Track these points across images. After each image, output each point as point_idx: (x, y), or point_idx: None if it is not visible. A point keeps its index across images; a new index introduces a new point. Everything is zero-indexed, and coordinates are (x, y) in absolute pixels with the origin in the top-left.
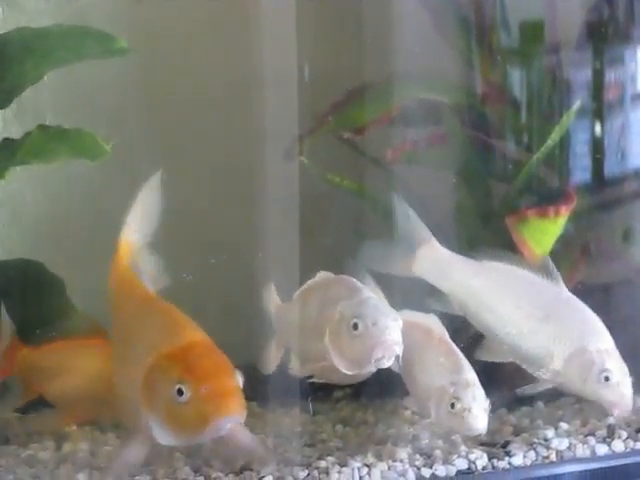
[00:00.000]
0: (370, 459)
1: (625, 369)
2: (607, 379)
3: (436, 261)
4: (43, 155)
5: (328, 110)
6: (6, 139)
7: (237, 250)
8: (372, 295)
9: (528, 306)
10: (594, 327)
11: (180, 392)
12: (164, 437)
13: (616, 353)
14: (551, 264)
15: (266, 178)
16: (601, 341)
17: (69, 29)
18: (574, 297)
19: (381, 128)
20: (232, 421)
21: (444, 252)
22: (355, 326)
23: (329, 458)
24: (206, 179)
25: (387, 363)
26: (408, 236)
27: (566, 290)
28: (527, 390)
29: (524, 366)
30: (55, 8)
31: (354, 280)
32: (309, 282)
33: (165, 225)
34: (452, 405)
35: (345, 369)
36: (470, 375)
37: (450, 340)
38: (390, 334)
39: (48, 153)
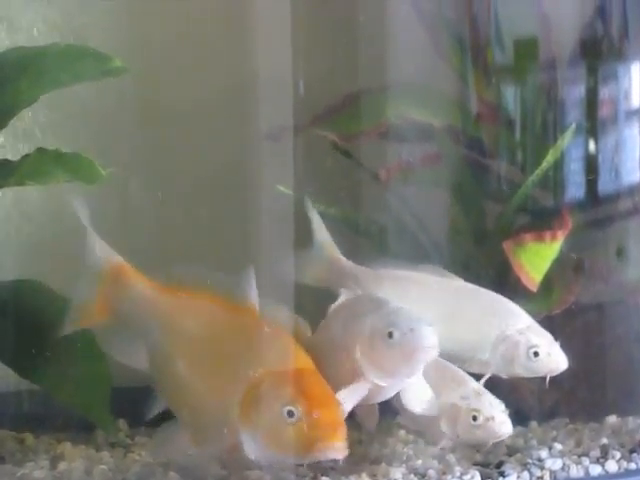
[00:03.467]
0: (364, 479)
1: (549, 336)
2: (536, 354)
3: (338, 272)
4: (39, 177)
5: (322, 113)
6: (4, 160)
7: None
8: (400, 305)
9: (435, 307)
10: (507, 310)
11: (290, 414)
12: (256, 452)
13: (536, 326)
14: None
15: (260, 189)
16: (519, 321)
17: (66, 49)
18: (478, 287)
19: (375, 144)
20: (337, 451)
21: (346, 263)
22: (390, 335)
23: (323, 478)
24: (199, 185)
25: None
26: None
27: (466, 283)
28: None
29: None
30: (52, 27)
31: (377, 295)
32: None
33: (154, 232)
34: (474, 418)
35: (380, 381)
36: (473, 382)
37: None
38: (428, 338)
39: (44, 175)
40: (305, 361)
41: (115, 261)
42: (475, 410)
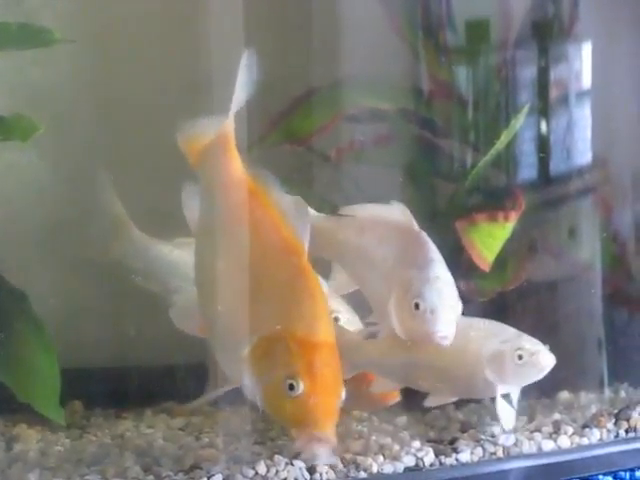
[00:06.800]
0: (320, 457)
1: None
2: (417, 306)
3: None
4: None
5: (274, 120)
6: None
7: None
8: (442, 273)
9: None
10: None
11: (291, 387)
12: (253, 397)
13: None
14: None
15: None
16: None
17: (11, 24)
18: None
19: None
20: (320, 444)
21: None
22: (417, 306)
23: (277, 456)
24: (151, 184)
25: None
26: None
27: None
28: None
29: None
30: (5, 10)
31: (431, 247)
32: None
33: None
34: (519, 357)
35: (402, 336)
36: (511, 328)
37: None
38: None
39: None
40: (327, 332)
41: (229, 128)
42: (519, 349)
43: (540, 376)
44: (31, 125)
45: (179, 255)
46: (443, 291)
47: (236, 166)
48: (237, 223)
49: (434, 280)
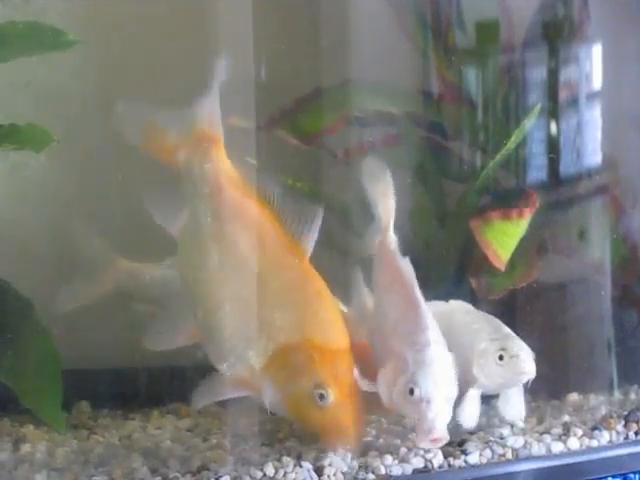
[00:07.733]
0: (327, 458)
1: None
2: (412, 392)
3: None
4: None
5: (276, 117)
6: None
7: None
8: (440, 357)
9: None
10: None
11: (321, 397)
12: (272, 405)
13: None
14: None
15: None
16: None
17: (22, 25)
18: None
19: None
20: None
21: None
22: (411, 392)
23: (285, 458)
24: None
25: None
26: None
27: None
28: None
29: None
30: (12, 10)
31: (430, 325)
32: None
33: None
34: (500, 357)
35: (389, 406)
36: (505, 328)
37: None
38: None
39: None
40: (344, 336)
41: (215, 129)
42: (502, 349)
43: (519, 381)
44: (45, 136)
45: (171, 276)
46: (439, 380)
47: (227, 169)
48: (232, 227)
49: (430, 365)
